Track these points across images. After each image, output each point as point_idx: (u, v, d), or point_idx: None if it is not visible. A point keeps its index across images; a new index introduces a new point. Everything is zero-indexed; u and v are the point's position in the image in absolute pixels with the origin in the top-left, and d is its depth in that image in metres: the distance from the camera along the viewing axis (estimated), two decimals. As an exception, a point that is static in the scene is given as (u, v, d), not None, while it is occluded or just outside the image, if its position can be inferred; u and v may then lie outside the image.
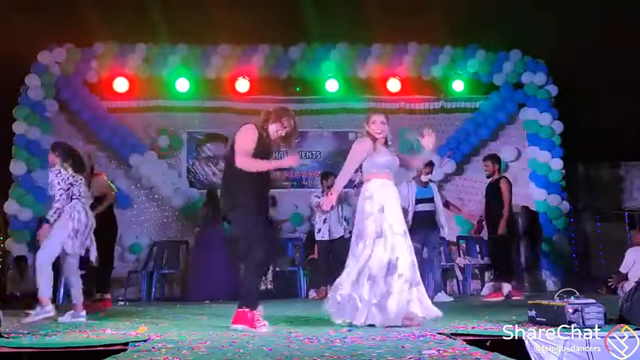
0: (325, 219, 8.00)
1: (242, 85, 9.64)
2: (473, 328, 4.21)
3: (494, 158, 7.72)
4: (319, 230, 8.10)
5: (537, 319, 4.30)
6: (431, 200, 7.51)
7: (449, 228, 9.46)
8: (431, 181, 7.80)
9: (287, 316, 5.51)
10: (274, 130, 4.53)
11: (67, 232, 5.27)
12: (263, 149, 4.49)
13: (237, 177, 4.43)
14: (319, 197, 7.94)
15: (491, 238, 7.56)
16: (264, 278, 8.39)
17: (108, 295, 6.99)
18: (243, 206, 4.40)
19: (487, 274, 8.93)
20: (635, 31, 8.30)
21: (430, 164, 7.92)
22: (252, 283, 4.47)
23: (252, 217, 4.39)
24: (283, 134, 4.53)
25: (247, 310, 4.32)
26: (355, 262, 4.54)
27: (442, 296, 7.24)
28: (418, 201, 7.45)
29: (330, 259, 7.99)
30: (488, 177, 7.63)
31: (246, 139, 4.45)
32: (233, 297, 5.76)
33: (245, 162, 4.38)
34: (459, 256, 9.19)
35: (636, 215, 9.38)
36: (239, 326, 4.27)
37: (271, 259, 4.84)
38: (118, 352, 3.38)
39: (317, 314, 5.40)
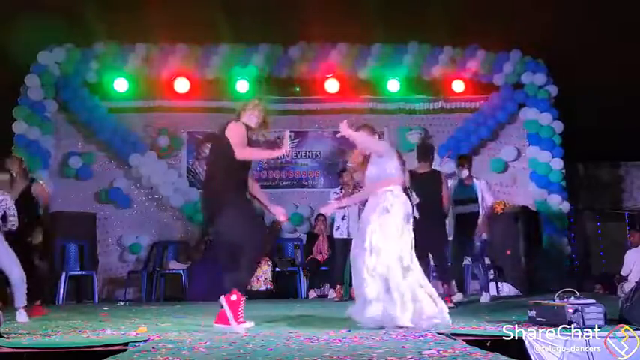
0: (344, 216, 7.75)
1: (242, 85, 9.63)
2: (473, 328, 4.21)
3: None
4: (338, 227, 7.84)
5: (537, 319, 4.30)
6: (471, 201, 6.97)
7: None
8: (474, 177, 7.15)
9: (287, 316, 5.51)
10: (254, 120, 4.81)
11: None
12: (248, 142, 4.73)
13: (222, 178, 4.62)
14: (338, 194, 7.80)
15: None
16: (262, 278, 8.41)
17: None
18: (232, 207, 4.54)
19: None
20: (635, 30, 8.30)
21: (464, 157, 7.37)
22: (245, 279, 4.70)
23: (242, 217, 4.56)
24: (260, 122, 4.84)
25: (238, 292, 4.44)
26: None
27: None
28: (456, 202, 6.95)
29: (347, 258, 7.75)
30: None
31: (238, 133, 4.67)
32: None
33: (246, 152, 4.63)
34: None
35: (636, 215, 9.37)
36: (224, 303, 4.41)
37: (262, 254, 5.11)
38: (118, 352, 3.38)
39: (317, 314, 5.41)
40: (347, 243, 7.63)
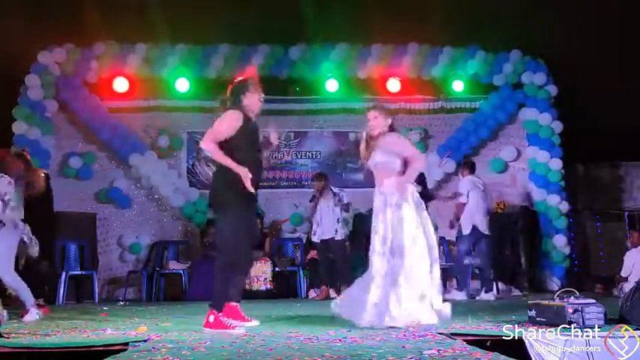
0: (319, 221, 8.07)
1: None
2: (473, 328, 4.21)
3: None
4: (315, 232, 8.17)
5: (537, 319, 4.30)
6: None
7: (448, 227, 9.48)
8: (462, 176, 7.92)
9: (287, 316, 5.51)
10: (257, 99, 4.49)
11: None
12: (250, 134, 4.42)
13: (226, 173, 4.32)
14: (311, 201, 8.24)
15: None
16: (262, 278, 8.40)
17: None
18: (231, 205, 4.34)
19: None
20: (635, 30, 8.30)
21: (461, 164, 8.17)
22: (221, 284, 4.40)
23: (238, 217, 4.34)
24: (262, 100, 4.52)
25: (213, 312, 4.27)
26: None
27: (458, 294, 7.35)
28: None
29: (328, 259, 8.08)
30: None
31: (224, 124, 4.34)
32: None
33: (210, 146, 4.27)
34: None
35: (636, 215, 9.37)
36: (210, 330, 4.20)
37: (251, 258, 4.82)
38: (118, 352, 3.38)
39: (317, 314, 5.41)
40: (326, 245, 8.06)
